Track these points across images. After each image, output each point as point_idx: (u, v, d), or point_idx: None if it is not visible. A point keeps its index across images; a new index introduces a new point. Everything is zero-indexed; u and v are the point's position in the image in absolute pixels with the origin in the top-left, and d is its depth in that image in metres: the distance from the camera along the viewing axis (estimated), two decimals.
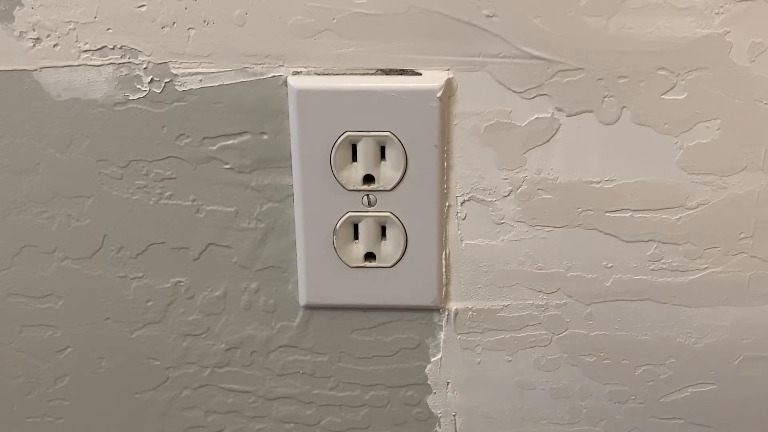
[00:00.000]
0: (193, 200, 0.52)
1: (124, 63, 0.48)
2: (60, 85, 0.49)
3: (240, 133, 0.50)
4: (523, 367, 0.55)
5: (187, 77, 0.48)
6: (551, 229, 0.51)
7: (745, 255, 0.51)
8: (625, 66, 0.47)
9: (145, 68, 0.48)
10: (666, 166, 0.49)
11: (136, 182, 0.51)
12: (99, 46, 0.48)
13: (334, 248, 0.51)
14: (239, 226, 0.52)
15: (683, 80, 0.47)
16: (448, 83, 0.47)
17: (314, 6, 0.46)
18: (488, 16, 0.46)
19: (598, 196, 0.50)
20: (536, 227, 0.51)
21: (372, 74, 0.48)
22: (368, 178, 0.49)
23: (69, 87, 0.49)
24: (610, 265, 0.52)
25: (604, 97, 0.48)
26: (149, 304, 0.55)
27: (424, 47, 0.47)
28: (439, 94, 0.47)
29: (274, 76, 0.48)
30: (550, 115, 0.48)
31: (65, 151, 0.51)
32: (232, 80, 0.48)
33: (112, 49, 0.48)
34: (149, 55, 0.48)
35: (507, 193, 0.50)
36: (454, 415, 0.57)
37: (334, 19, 0.46)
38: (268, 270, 0.53)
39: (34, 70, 0.49)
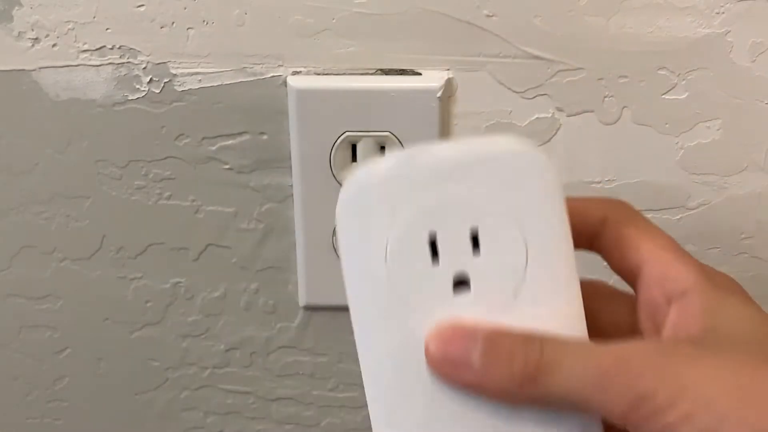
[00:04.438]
0: (193, 200, 0.52)
1: (123, 63, 0.48)
2: (59, 85, 0.49)
3: (239, 133, 0.50)
4: None
5: (187, 77, 0.48)
6: None
7: (747, 255, 0.51)
8: (626, 66, 0.47)
9: (144, 68, 0.48)
10: (667, 166, 0.49)
11: (136, 182, 0.51)
12: (98, 46, 0.48)
13: (334, 249, 0.51)
14: (239, 227, 0.52)
15: (684, 80, 0.47)
16: (448, 83, 0.47)
17: (314, 6, 0.46)
18: (488, 15, 0.46)
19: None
20: None
21: (372, 74, 0.47)
22: None
23: (68, 87, 0.49)
24: None
25: (605, 97, 0.47)
26: (148, 304, 0.55)
27: (424, 47, 0.47)
28: (439, 94, 0.47)
29: (274, 76, 0.48)
30: (550, 115, 0.48)
31: (64, 151, 0.51)
32: (231, 80, 0.48)
33: (111, 49, 0.48)
34: (148, 55, 0.48)
35: None
36: None
37: (334, 19, 0.46)
38: (268, 270, 0.53)
39: (32, 70, 0.49)
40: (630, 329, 0.33)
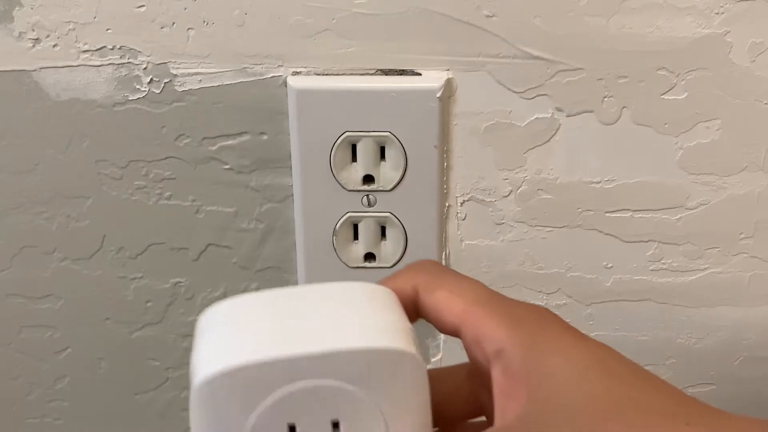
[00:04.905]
0: (193, 200, 0.52)
1: (124, 63, 0.48)
2: (59, 86, 0.49)
3: (239, 134, 0.50)
4: None
5: (187, 77, 0.48)
6: (551, 229, 0.51)
7: (746, 255, 0.51)
8: (625, 66, 0.47)
9: (144, 68, 0.48)
10: (666, 166, 0.49)
11: (136, 183, 0.51)
12: (98, 47, 0.48)
13: (334, 249, 0.51)
14: (239, 227, 0.52)
15: (683, 80, 0.47)
16: (448, 83, 0.47)
17: (314, 6, 0.46)
18: (488, 16, 0.46)
19: (598, 196, 0.50)
20: (536, 227, 0.51)
21: (372, 74, 0.48)
22: (368, 179, 0.49)
23: (68, 87, 0.49)
24: (610, 265, 0.52)
25: (604, 97, 0.47)
26: (149, 304, 0.55)
27: (424, 47, 0.47)
28: (438, 94, 0.47)
29: (274, 77, 0.48)
30: (550, 115, 0.48)
31: (65, 151, 0.51)
32: (231, 80, 0.48)
33: (112, 49, 0.48)
34: (149, 56, 0.48)
35: (507, 194, 0.50)
36: None
37: (334, 19, 0.46)
38: (268, 270, 0.53)
39: (33, 71, 0.49)
40: (472, 401, 0.32)
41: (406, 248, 0.51)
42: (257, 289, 0.54)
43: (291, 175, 0.50)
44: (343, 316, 0.29)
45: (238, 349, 0.28)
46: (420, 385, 0.29)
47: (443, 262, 0.52)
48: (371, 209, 0.50)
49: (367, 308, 0.30)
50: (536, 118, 0.48)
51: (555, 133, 0.48)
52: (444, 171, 0.49)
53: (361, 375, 0.28)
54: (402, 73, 0.47)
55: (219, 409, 0.28)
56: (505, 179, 0.50)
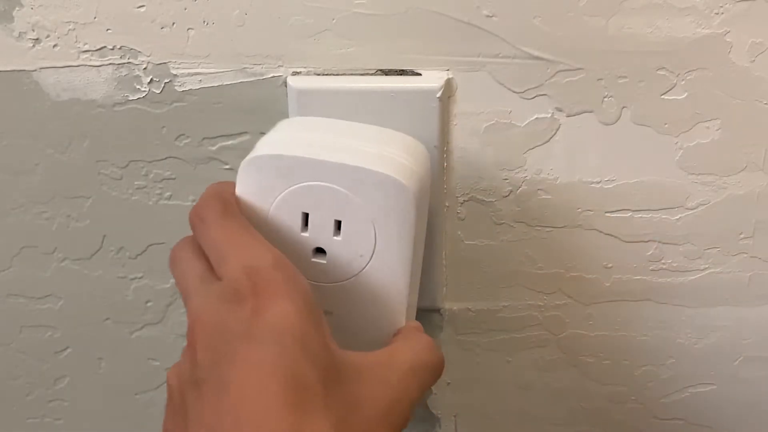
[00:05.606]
0: (193, 201, 0.52)
1: (124, 63, 0.48)
2: (59, 86, 0.49)
3: (240, 134, 0.50)
4: (522, 367, 0.55)
5: (187, 77, 0.48)
6: (551, 229, 0.51)
7: (746, 255, 0.51)
8: (625, 66, 0.47)
9: (144, 68, 0.48)
10: (666, 167, 0.49)
11: (136, 183, 0.51)
12: (98, 47, 0.48)
13: None
14: None
15: (683, 80, 0.47)
16: (448, 83, 0.47)
17: (314, 6, 0.46)
18: (488, 16, 0.46)
19: (598, 196, 0.50)
20: (536, 227, 0.51)
21: (372, 74, 0.48)
22: None
23: (68, 87, 0.49)
24: (610, 265, 0.52)
25: (604, 97, 0.47)
26: (149, 304, 0.55)
27: (424, 47, 0.47)
28: (438, 95, 0.47)
29: (274, 77, 0.48)
30: (549, 115, 0.48)
31: (65, 151, 0.51)
32: (231, 80, 0.48)
33: (112, 49, 0.48)
34: (149, 56, 0.48)
35: (507, 194, 0.50)
36: (454, 416, 0.57)
37: (333, 19, 0.46)
38: None
39: (33, 71, 0.49)
40: None
41: None
42: None
43: None
44: (370, 146, 0.38)
45: (279, 145, 0.38)
46: (406, 213, 0.37)
47: (443, 262, 0.52)
48: None
49: (394, 147, 0.39)
50: (536, 118, 0.48)
51: (555, 133, 0.48)
52: (444, 171, 0.49)
53: (361, 189, 0.37)
54: (402, 73, 0.47)
55: (256, 183, 0.38)
56: (505, 179, 0.50)
